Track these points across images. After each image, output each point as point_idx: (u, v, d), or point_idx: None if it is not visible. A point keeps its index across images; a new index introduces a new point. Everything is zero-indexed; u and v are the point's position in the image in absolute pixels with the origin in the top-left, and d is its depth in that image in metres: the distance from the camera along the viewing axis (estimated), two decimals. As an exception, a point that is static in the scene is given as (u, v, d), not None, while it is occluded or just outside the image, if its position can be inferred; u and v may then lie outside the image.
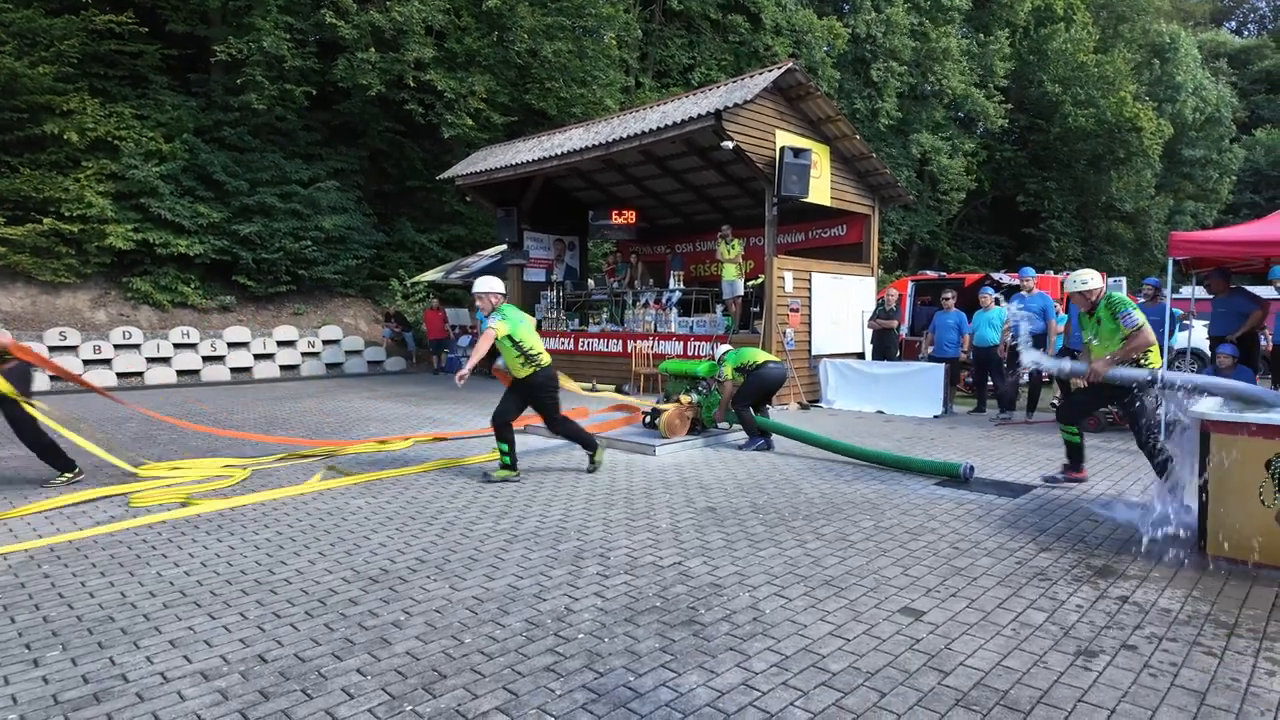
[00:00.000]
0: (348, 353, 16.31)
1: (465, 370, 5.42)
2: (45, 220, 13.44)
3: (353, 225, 16.97)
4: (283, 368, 15.44)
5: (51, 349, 12.97)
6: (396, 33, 15.61)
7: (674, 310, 12.13)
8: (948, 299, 10.12)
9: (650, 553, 3.98)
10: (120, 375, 13.48)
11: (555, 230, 15.10)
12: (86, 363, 13.23)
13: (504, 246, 14.78)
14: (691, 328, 11.66)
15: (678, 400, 7.35)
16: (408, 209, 19.57)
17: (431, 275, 17.49)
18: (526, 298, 14.55)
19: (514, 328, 5.61)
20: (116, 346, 13.58)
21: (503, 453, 5.71)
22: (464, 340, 16.28)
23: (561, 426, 5.97)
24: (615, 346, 12.53)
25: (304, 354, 15.81)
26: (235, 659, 2.78)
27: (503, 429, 5.68)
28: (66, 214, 13.63)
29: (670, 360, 8.78)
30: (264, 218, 15.60)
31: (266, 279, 15.98)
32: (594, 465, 6.00)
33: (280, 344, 15.58)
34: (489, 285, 5.83)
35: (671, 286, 12.85)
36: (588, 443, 6.01)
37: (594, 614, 3.17)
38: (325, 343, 16.19)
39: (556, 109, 18.72)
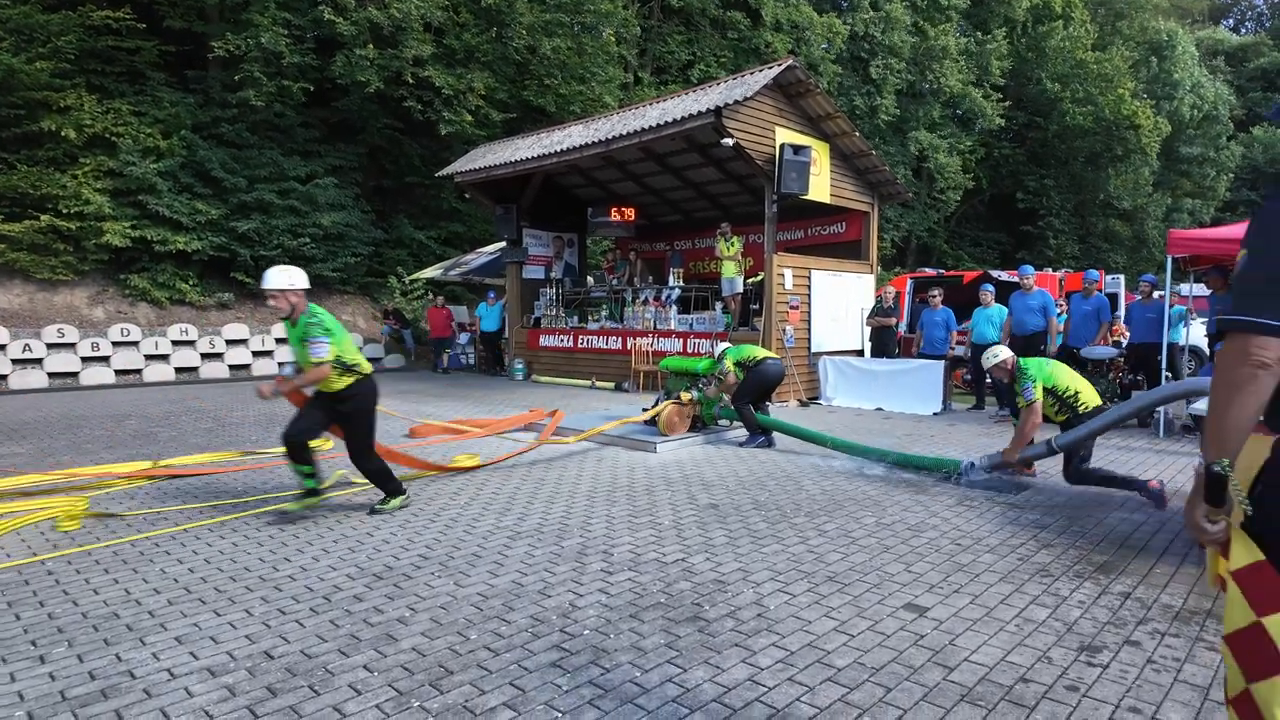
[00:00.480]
0: (346, 350, 16.29)
1: (270, 388, 4.48)
2: (43, 217, 13.39)
3: (351, 222, 16.92)
4: (281, 365, 15.41)
5: (50, 346, 12.95)
6: (395, 29, 15.56)
7: (673, 308, 12.14)
8: (934, 296, 10.26)
9: (654, 549, 3.99)
10: (119, 372, 13.45)
11: (554, 227, 15.09)
12: (85, 360, 13.20)
13: (503, 243, 14.77)
14: (691, 325, 11.67)
15: (677, 398, 7.36)
16: (406, 206, 19.54)
17: (430, 272, 17.47)
18: (525, 295, 14.55)
19: (339, 339, 4.50)
20: (115, 344, 13.54)
21: (304, 475, 4.58)
22: (464, 337, 16.26)
23: (369, 462, 4.71)
24: (615, 344, 12.53)
25: (303, 351, 15.78)
26: (242, 655, 2.78)
27: (301, 449, 4.54)
28: (64, 211, 13.58)
29: (671, 358, 8.79)
30: (262, 215, 15.56)
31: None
32: (383, 508, 4.72)
33: (279, 341, 15.55)
34: (290, 279, 4.45)
35: (671, 284, 12.85)
36: (392, 489, 4.79)
37: (599, 610, 3.18)
38: (324, 340, 16.15)
39: (555, 106, 18.70)
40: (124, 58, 15.05)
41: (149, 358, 13.83)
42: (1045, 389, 5.10)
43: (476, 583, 3.51)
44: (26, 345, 12.69)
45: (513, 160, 12.69)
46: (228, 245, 15.22)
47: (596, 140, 11.20)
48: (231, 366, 14.77)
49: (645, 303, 12.49)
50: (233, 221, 15.22)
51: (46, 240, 13.59)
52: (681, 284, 12.85)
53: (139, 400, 10.94)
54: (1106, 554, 3.93)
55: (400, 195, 19.56)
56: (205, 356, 14.50)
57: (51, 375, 12.81)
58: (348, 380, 4.55)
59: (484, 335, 15.36)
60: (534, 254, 14.73)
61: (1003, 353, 5.47)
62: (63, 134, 13.71)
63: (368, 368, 4.65)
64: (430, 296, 17.11)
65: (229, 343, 14.90)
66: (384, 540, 4.16)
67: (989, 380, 9.72)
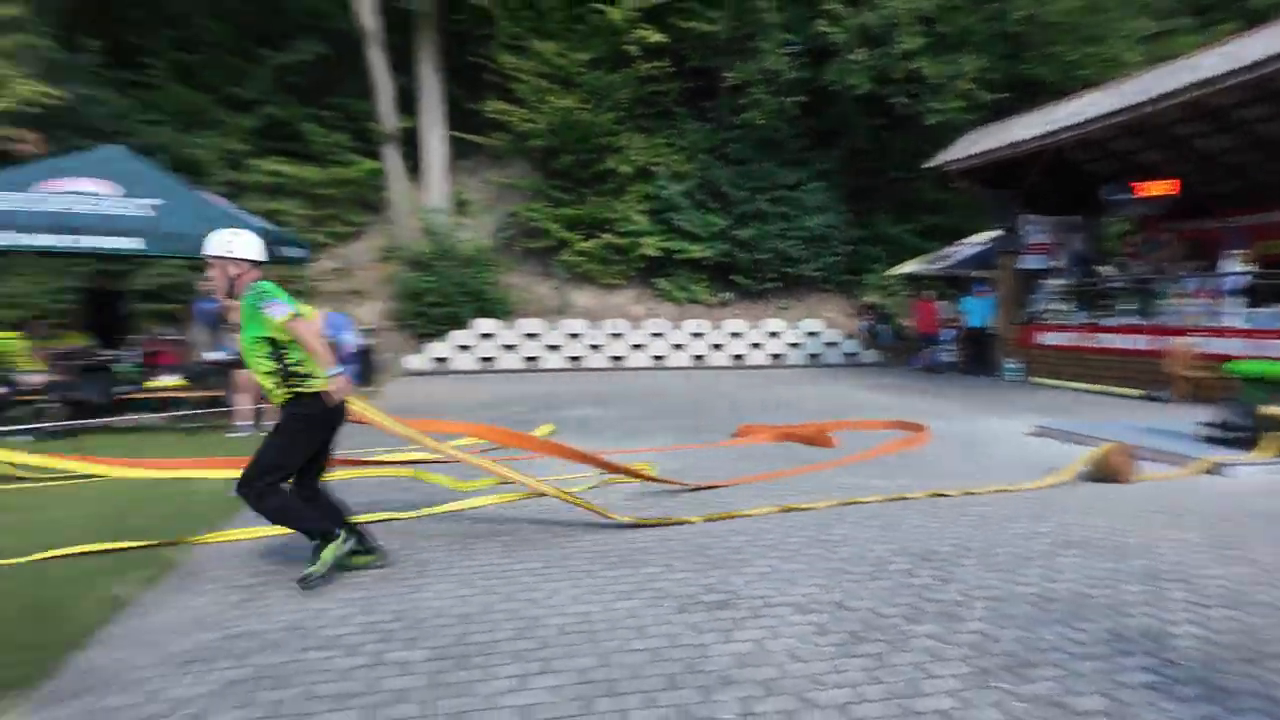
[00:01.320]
0: (826, 344, 17.13)
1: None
2: (604, 236, 17.27)
3: (832, 224, 17.76)
4: (771, 356, 16.98)
5: (609, 336, 16.57)
6: (885, 28, 15.69)
7: (1234, 299, 9.68)
8: None
9: (1261, 590, 3.28)
10: (654, 358, 16.51)
11: (1057, 210, 13.41)
12: (634, 347, 16.48)
13: (994, 233, 13.72)
14: (1261, 322, 9.16)
15: (1263, 409, 5.85)
16: (883, 202, 19.58)
17: (908, 267, 17.23)
18: (1020, 288, 13.29)
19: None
20: (652, 335, 16.71)
21: (323, 540, 3.44)
22: (946, 334, 15.61)
23: (266, 493, 3.36)
24: (1140, 343, 10.58)
25: (789, 344, 17.12)
26: (819, 600, 3.19)
27: (303, 501, 3.51)
28: (618, 230, 17.28)
29: (1244, 361, 7.02)
30: (758, 222, 17.40)
31: (758, 277, 17.81)
32: (313, 573, 3.36)
33: (771, 334, 17.17)
34: (230, 245, 3.42)
35: (1226, 269, 10.27)
36: (323, 531, 3.47)
37: (1198, 644, 2.76)
38: (808, 334, 17.28)
39: (1059, 75, 16.55)
40: (660, 100, 18.32)
41: (673, 347, 16.67)
42: None
43: (1031, 583, 3.37)
44: (594, 335, 16.52)
45: (1013, 141, 11.69)
46: (730, 252, 17.43)
47: (1125, 105, 9.62)
48: (733, 356, 16.87)
49: (1189, 294, 10.23)
50: (734, 230, 17.35)
51: (606, 254, 17.47)
52: (1249, 269, 10.14)
53: (670, 381, 13.30)
54: None
55: (877, 192, 19.69)
56: (714, 347, 16.82)
57: (610, 358, 16.41)
58: (287, 393, 3.43)
59: (969, 331, 14.50)
60: (1032, 241, 13.33)
61: None
62: (618, 169, 17.39)
63: (323, 383, 3.41)
64: (909, 291, 16.89)
65: (731, 335, 17.02)
66: (917, 525, 4.28)
67: None
